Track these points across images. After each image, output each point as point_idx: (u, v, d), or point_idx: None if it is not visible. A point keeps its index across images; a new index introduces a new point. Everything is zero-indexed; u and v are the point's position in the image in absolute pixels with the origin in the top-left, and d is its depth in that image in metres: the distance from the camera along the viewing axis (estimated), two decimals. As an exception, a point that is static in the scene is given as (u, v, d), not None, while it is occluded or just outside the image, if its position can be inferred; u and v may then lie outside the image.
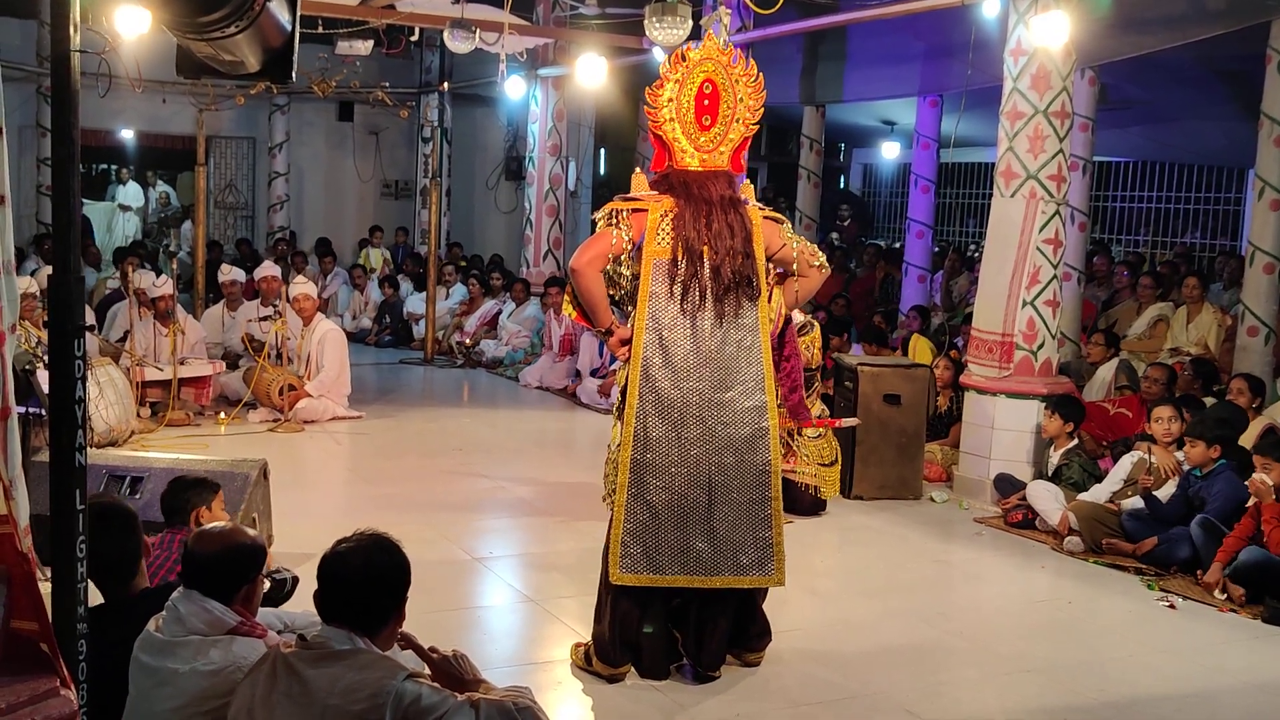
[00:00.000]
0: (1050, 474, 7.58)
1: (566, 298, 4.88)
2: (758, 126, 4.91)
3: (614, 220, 4.69)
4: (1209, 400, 8.07)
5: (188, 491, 4.68)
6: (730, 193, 4.75)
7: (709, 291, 4.62)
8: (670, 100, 4.71)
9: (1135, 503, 6.90)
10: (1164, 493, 6.85)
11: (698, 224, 4.64)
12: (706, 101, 4.72)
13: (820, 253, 4.97)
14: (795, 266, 4.83)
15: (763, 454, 4.67)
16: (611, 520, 4.67)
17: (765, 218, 4.82)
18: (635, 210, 4.70)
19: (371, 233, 17.95)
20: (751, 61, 4.90)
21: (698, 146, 4.75)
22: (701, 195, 4.68)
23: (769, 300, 4.82)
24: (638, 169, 4.97)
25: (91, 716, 3.10)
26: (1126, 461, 7.21)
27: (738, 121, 4.79)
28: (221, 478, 5.58)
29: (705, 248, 4.62)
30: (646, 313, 4.62)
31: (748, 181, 5.04)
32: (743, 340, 4.67)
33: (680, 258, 4.63)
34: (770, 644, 5.01)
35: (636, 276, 4.69)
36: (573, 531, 6.82)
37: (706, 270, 4.62)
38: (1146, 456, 7.12)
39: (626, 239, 4.67)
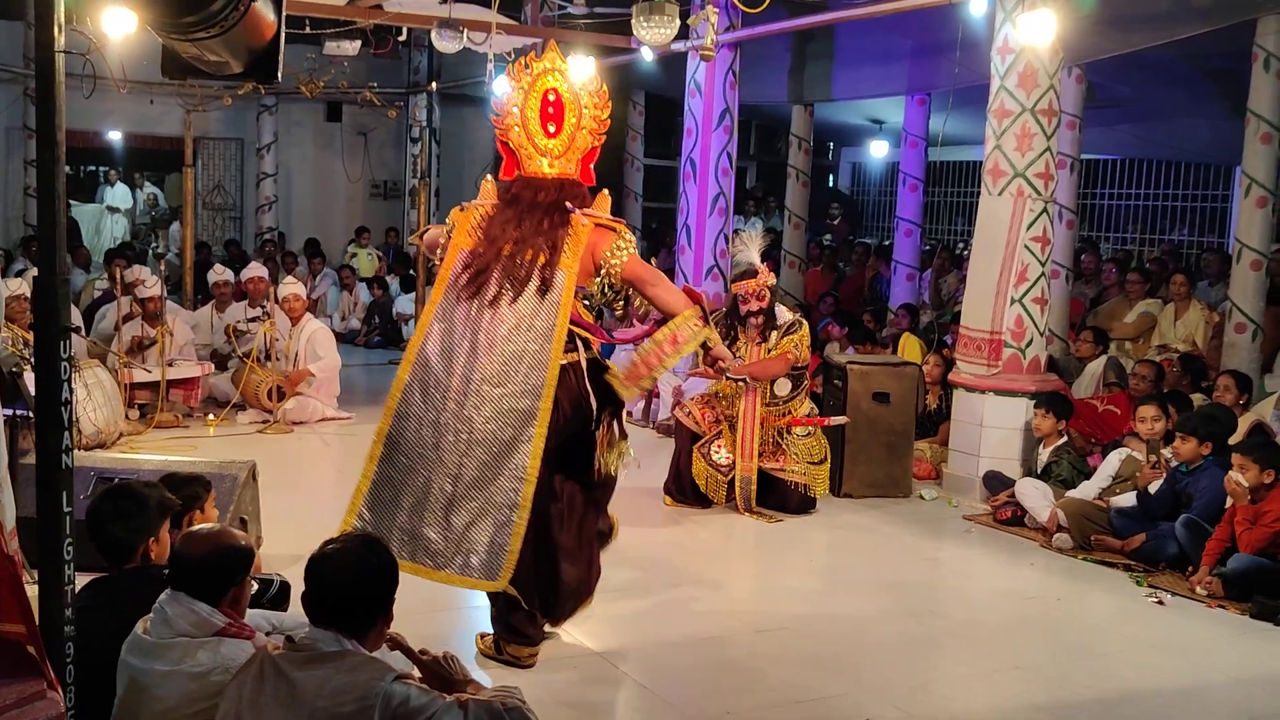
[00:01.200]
0: (1040, 471, 7.59)
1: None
2: (604, 136, 4.90)
3: (447, 222, 4.86)
4: (1197, 397, 8.09)
5: (194, 485, 4.65)
6: (558, 199, 4.73)
7: (500, 286, 4.58)
8: (516, 107, 4.76)
9: (1123, 500, 6.92)
10: (1149, 490, 6.87)
11: (508, 224, 4.67)
12: (551, 110, 4.76)
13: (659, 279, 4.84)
14: (615, 277, 4.71)
15: (521, 459, 4.50)
16: (356, 487, 4.63)
17: (599, 225, 4.74)
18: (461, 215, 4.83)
19: (358, 233, 17.92)
20: (596, 74, 4.94)
21: (541, 151, 4.77)
22: (527, 198, 4.71)
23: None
24: (488, 176, 5.03)
25: (78, 717, 3.09)
26: (1114, 458, 7.22)
27: (583, 130, 4.81)
28: (210, 479, 5.56)
29: (508, 244, 4.62)
30: (440, 297, 4.63)
31: (605, 193, 4.99)
32: (530, 342, 4.55)
33: (478, 249, 4.64)
34: (585, 607, 4.98)
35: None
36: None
37: (502, 266, 4.60)
38: (1134, 454, 7.14)
39: (448, 236, 4.79)
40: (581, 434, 4.79)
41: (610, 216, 4.87)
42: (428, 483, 4.53)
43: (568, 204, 4.72)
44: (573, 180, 4.80)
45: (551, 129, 4.76)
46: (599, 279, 4.75)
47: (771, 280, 7.52)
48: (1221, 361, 8.86)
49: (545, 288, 4.57)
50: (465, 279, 4.61)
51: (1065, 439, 7.64)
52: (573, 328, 4.69)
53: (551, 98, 4.76)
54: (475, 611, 5.56)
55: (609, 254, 4.67)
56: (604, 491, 5.06)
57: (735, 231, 9.22)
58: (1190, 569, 6.32)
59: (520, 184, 4.77)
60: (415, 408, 4.55)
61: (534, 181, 4.75)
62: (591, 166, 4.92)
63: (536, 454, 4.51)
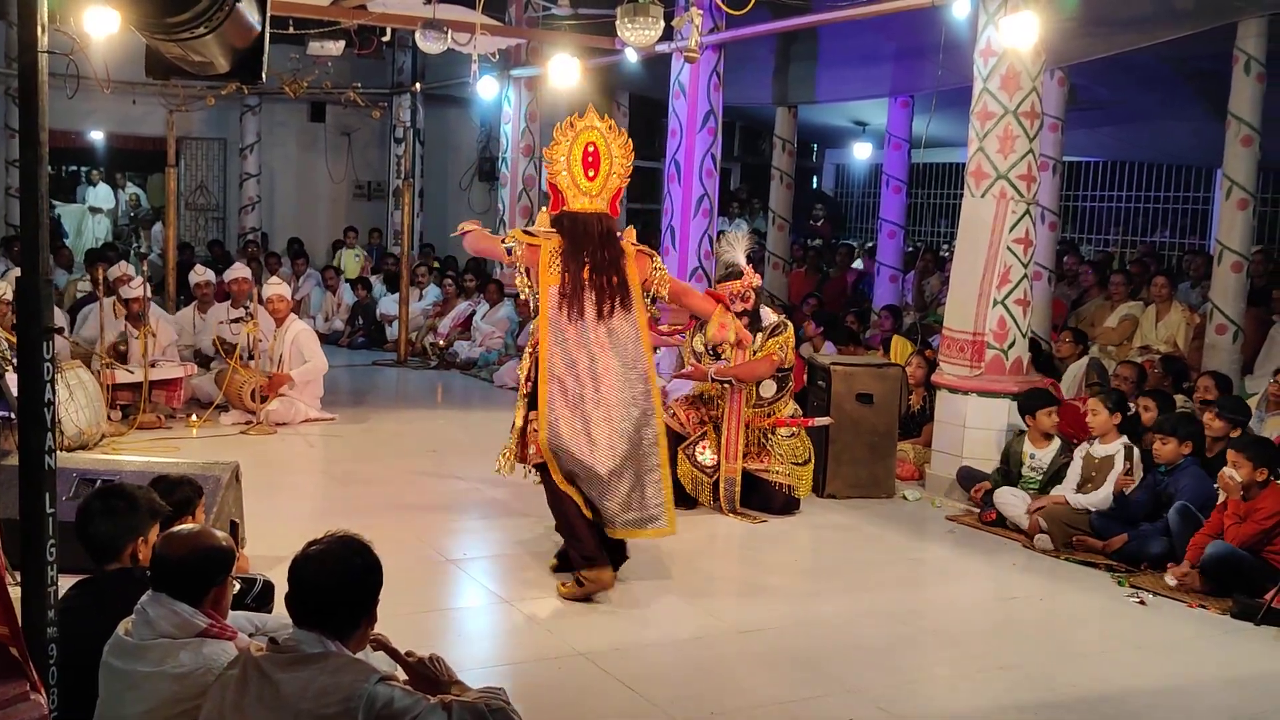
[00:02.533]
0: (1051, 475, 7.51)
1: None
2: (628, 180, 6.12)
3: (510, 242, 5.95)
4: (1179, 399, 8.14)
5: (186, 490, 4.62)
6: (606, 228, 5.95)
7: (592, 301, 5.76)
8: (563, 156, 5.95)
9: (1099, 500, 6.93)
10: (1105, 492, 6.91)
11: (579, 252, 5.81)
12: (590, 158, 5.96)
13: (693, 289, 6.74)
14: (664, 292, 6.07)
15: (651, 431, 5.79)
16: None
17: (638, 251, 6.01)
18: (530, 245, 5.88)
19: (345, 234, 17.88)
20: (623, 130, 6.11)
21: (583, 191, 5.95)
22: (584, 230, 5.88)
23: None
24: (543, 208, 6.12)
25: (62, 719, 3.08)
26: (1076, 457, 7.25)
27: (614, 174, 6.01)
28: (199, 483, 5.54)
29: (586, 267, 5.79)
30: (548, 327, 5.74)
31: (630, 227, 6.33)
32: (625, 334, 5.81)
33: (567, 280, 5.76)
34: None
35: (537, 295, 5.86)
36: (547, 532, 6.80)
37: (588, 286, 5.77)
38: (1091, 450, 7.15)
39: (515, 258, 5.89)
40: None
41: (641, 244, 6.15)
42: (593, 467, 5.66)
43: (618, 234, 5.99)
44: (607, 215, 5.99)
45: (591, 174, 5.96)
46: (647, 294, 6.05)
47: (757, 281, 7.53)
48: (1202, 363, 8.91)
49: (626, 300, 5.85)
50: (564, 307, 5.74)
51: (1060, 442, 7.59)
52: None
53: (590, 149, 5.97)
54: (459, 613, 5.56)
55: (654, 274, 6.04)
56: None
57: (720, 233, 9.24)
58: (1171, 564, 6.35)
59: (569, 218, 5.90)
60: (563, 421, 5.66)
61: (578, 216, 5.90)
62: (619, 203, 6.11)
63: (660, 424, 5.84)
